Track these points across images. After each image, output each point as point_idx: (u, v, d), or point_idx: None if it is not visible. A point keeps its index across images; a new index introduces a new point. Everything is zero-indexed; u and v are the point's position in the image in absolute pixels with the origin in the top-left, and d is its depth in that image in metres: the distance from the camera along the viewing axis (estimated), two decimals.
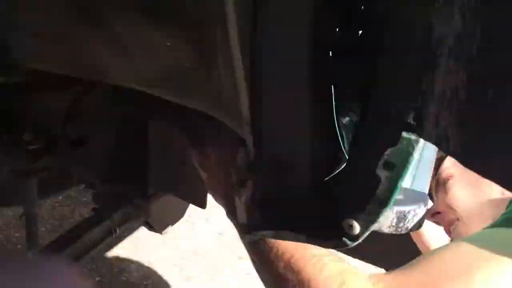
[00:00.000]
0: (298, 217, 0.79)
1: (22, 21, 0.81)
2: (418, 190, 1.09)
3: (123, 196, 1.69)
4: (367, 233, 0.70)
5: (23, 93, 1.11)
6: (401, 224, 0.98)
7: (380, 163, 0.62)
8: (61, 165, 1.36)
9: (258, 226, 0.81)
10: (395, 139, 0.59)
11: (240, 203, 0.85)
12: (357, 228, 0.69)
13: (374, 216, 0.67)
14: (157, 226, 1.95)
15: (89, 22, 0.74)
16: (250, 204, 0.81)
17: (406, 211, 0.99)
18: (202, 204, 1.57)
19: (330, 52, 0.68)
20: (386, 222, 0.96)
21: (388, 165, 0.62)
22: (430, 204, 1.39)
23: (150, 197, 1.70)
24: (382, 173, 0.63)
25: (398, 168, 0.61)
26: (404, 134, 0.58)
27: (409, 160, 0.60)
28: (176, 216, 2.07)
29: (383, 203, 0.65)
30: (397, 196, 0.65)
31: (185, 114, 0.97)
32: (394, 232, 1.00)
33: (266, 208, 0.80)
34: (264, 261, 0.96)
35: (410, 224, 1.00)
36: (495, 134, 0.47)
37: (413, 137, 0.57)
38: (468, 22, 0.46)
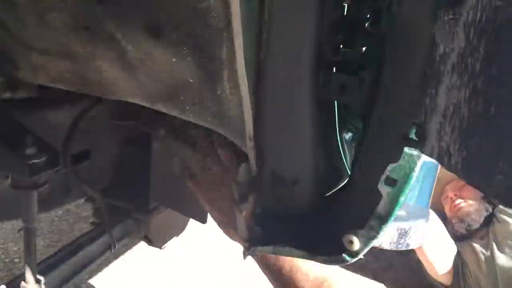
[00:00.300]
0: (298, 233, 0.79)
1: (30, 38, 0.83)
2: (420, 206, 1.09)
3: (123, 211, 1.69)
4: (367, 249, 0.70)
5: (27, 108, 1.12)
6: (403, 240, 0.98)
7: (382, 178, 0.63)
8: (62, 179, 1.37)
9: (259, 242, 0.81)
10: (397, 155, 0.59)
11: (240, 219, 0.85)
12: (357, 244, 0.69)
13: (375, 232, 0.67)
14: (156, 241, 1.95)
15: (96, 39, 0.75)
16: (250, 219, 0.81)
17: (408, 228, 0.99)
18: (202, 219, 1.57)
19: (334, 69, 0.69)
20: (387, 238, 0.96)
21: (389, 181, 0.62)
22: (432, 219, 1.39)
23: (150, 211, 1.70)
24: (384, 189, 0.63)
25: (399, 184, 0.61)
26: (406, 149, 0.58)
27: (411, 176, 0.60)
28: (176, 231, 2.07)
29: (384, 219, 0.65)
30: (399, 212, 0.65)
31: (188, 128, 0.98)
32: (395, 249, 1.00)
33: (266, 223, 0.80)
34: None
35: (411, 240, 1.00)
36: (497, 150, 0.47)
37: (415, 153, 0.58)
38: (472, 39, 0.47)
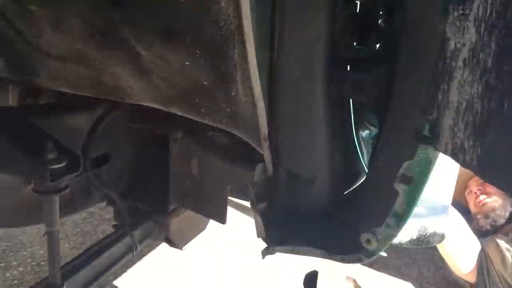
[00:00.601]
0: (316, 232, 0.79)
1: (47, 45, 0.84)
2: (440, 202, 1.08)
3: (144, 213, 1.70)
4: (384, 248, 0.70)
5: (48, 113, 1.14)
6: (423, 238, 0.98)
7: (398, 176, 0.62)
8: (83, 183, 1.39)
9: (276, 241, 0.81)
10: (412, 152, 0.59)
11: (258, 219, 0.85)
12: (374, 242, 0.69)
13: (393, 230, 0.67)
14: (177, 242, 1.96)
15: (111, 45, 0.76)
16: (267, 219, 0.81)
17: (428, 224, 0.98)
18: (222, 220, 1.58)
19: (348, 67, 0.68)
20: (407, 235, 0.95)
21: (406, 179, 0.62)
22: (453, 215, 1.37)
23: (170, 213, 1.71)
24: (400, 187, 0.62)
25: (416, 181, 0.61)
26: (421, 147, 0.58)
27: (427, 173, 0.60)
28: (196, 231, 2.07)
29: (402, 217, 0.65)
30: (418, 209, 0.65)
31: (205, 130, 0.99)
32: (416, 246, 0.99)
33: (283, 223, 0.80)
34: None
35: (431, 237, 0.99)
36: (511, 146, 0.47)
37: (430, 150, 0.57)
38: (483, 34, 0.46)
